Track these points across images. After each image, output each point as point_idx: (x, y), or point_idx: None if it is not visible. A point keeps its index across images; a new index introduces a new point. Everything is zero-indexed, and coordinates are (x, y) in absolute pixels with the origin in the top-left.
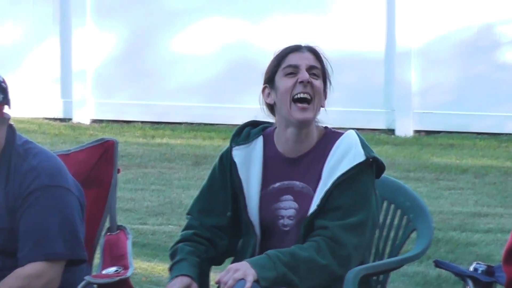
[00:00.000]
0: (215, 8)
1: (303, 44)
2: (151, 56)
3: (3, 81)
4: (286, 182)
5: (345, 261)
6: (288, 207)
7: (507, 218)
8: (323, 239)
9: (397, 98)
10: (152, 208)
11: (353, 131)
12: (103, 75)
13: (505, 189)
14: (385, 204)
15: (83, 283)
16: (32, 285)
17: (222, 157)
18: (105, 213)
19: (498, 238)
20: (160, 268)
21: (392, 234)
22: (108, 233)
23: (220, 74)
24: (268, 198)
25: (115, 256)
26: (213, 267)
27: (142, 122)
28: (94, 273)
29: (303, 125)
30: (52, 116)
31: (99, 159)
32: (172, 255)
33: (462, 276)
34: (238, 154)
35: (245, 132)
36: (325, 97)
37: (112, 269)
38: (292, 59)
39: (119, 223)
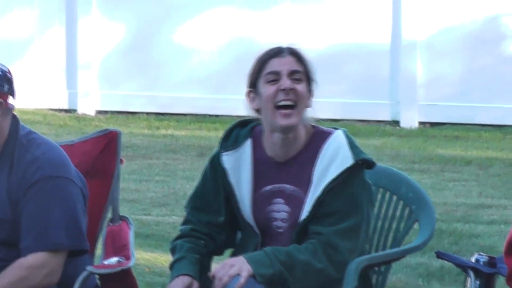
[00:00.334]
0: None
1: (284, 46)
2: (157, 47)
3: (8, 72)
4: (277, 185)
5: (341, 266)
6: (280, 210)
7: (511, 210)
8: (319, 242)
9: (402, 90)
10: (156, 199)
11: (340, 132)
12: (108, 66)
13: (509, 181)
14: (387, 195)
15: (85, 273)
16: (34, 275)
17: (212, 161)
18: (108, 204)
19: (502, 229)
20: (163, 259)
21: (394, 225)
22: (111, 224)
23: (225, 66)
24: (260, 201)
25: (117, 247)
26: (214, 257)
27: (147, 113)
28: (96, 263)
29: (288, 131)
30: (57, 107)
31: (102, 150)
32: (172, 251)
33: (464, 267)
34: (227, 159)
35: (234, 136)
36: (312, 95)
37: (114, 260)
38: (273, 65)
39: (123, 214)
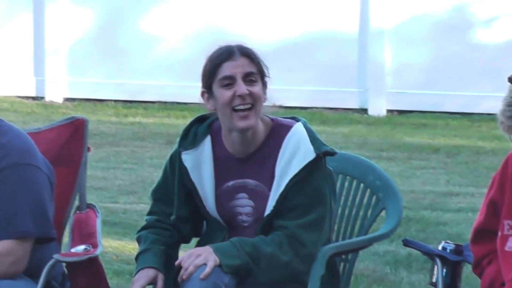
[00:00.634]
0: None
1: (234, 45)
2: (125, 35)
3: None
4: (239, 181)
5: (306, 258)
6: (244, 205)
7: (478, 198)
8: (285, 235)
9: (370, 78)
10: (124, 186)
11: (300, 124)
12: (76, 54)
13: (476, 169)
14: (354, 183)
15: (51, 261)
16: (1, 263)
17: (172, 159)
18: (75, 191)
19: (469, 217)
20: (131, 246)
21: (361, 213)
22: (78, 212)
23: (194, 53)
24: (223, 196)
25: (84, 235)
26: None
27: (115, 100)
28: (63, 251)
29: (246, 131)
30: (24, 95)
31: (69, 138)
32: (138, 241)
33: (431, 255)
34: (187, 158)
35: (192, 133)
36: (266, 88)
37: (81, 248)
38: (226, 69)
39: (90, 202)
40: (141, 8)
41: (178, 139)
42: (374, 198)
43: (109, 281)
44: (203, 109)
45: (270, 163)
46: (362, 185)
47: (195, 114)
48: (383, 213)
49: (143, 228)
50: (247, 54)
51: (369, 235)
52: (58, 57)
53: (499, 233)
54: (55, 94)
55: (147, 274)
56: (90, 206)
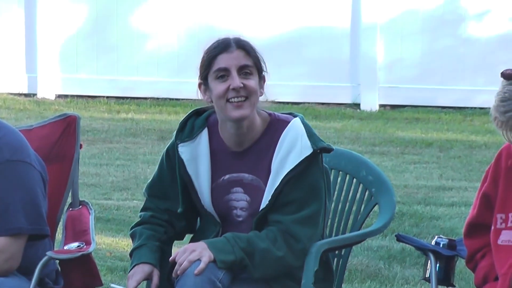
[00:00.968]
0: None
1: (231, 38)
2: (117, 31)
3: None
4: (235, 175)
5: (300, 254)
6: (239, 199)
7: (471, 192)
8: (279, 231)
9: (363, 73)
10: (117, 183)
11: (298, 120)
12: (68, 50)
13: (469, 163)
14: (347, 178)
15: (45, 258)
16: None
17: (168, 152)
18: (68, 188)
19: (462, 211)
20: (125, 243)
21: (354, 208)
22: (70, 209)
23: (186, 49)
24: (219, 190)
25: (77, 232)
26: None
27: (107, 97)
28: (56, 248)
29: (241, 121)
30: (16, 91)
31: (61, 134)
32: (132, 237)
33: (424, 250)
34: (184, 150)
35: (189, 126)
36: (264, 82)
37: (74, 245)
38: (221, 61)
39: (83, 199)
40: (133, 4)
41: (174, 133)
42: (367, 193)
43: (102, 278)
44: (195, 104)
45: (267, 158)
46: (355, 180)
47: (188, 110)
48: (376, 208)
49: (138, 224)
50: (243, 46)
51: (362, 231)
52: (50, 54)
53: (492, 227)
54: (47, 90)
55: (143, 269)
56: (83, 203)
